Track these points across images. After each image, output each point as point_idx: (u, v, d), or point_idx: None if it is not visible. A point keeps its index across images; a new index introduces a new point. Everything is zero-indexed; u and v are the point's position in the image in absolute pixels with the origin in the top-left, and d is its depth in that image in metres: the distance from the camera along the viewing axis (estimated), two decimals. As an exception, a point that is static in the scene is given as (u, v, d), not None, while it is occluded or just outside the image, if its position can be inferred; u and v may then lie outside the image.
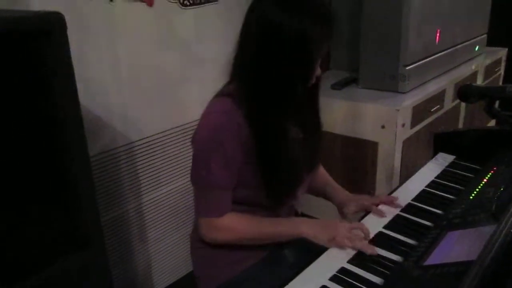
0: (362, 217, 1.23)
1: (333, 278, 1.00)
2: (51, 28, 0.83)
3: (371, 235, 1.14)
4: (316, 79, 1.14)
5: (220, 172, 1.09)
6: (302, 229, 1.13)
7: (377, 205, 1.25)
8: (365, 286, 0.96)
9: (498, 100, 1.24)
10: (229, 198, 1.15)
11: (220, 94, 1.13)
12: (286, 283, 0.99)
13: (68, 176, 0.95)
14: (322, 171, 1.43)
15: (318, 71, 1.09)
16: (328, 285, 0.98)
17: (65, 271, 0.98)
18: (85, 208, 0.99)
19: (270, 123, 1.09)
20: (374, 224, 1.19)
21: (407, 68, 2.22)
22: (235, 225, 1.15)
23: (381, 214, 1.21)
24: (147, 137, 1.75)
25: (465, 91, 1.24)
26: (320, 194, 1.41)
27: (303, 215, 2.35)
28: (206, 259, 1.23)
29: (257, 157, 1.10)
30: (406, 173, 2.16)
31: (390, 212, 1.23)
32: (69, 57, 0.87)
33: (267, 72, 1.04)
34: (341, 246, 1.07)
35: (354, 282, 0.98)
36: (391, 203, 1.25)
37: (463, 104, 2.73)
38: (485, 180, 1.28)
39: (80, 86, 1.45)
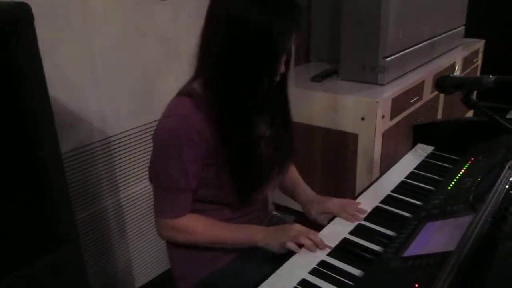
0: (330, 220, 1.21)
1: (313, 272, 0.99)
2: (18, 19, 0.80)
3: (351, 227, 1.14)
4: (283, 75, 1.11)
5: (177, 174, 1.08)
6: (257, 237, 1.12)
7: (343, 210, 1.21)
8: (345, 278, 0.96)
9: (475, 91, 1.24)
10: (187, 199, 1.13)
11: (181, 93, 1.11)
12: (266, 278, 0.98)
13: (40, 172, 0.92)
14: (292, 171, 1.41)
15: (282, 67, 1.06)
16: (308, 279, 0.97)
17: (39, 270, 0.96)
18: (58, 205, 0.97)
19: (234, 121, 1.06)
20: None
21: (387, 60, 2.23)
22: (191, 227, 1.14)
23: (351, 220, 1.18)
24: (124, 132, 1.72)
25: (442, 82, 1.24)
26: (287, 193, 1.41)
27: (279, 206, 2.37)
28: (183, 257, 1.22)
29: (223, 157, 1.08)
30: (386, 164, 2.17)
31: (369, 205, 1.23)
32: (36, 48, 0.84)
33: (230, 68, 1.02)
34: (290, 248, 1.06)
35: (334, 275, 0.98)
36: (355, 211, 1.20)
37: (441, 95, 2.76)
38: (463, 170, 1.29)
39: (54, 80, 1.42)
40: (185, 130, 1.05)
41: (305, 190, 1.36)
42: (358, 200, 1.27)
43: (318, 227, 1.17)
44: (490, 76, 1.12)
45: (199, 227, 1.15)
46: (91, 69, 1.57)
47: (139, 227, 1.87)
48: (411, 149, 1.59)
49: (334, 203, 1.24)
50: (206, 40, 1.05)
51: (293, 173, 1.40)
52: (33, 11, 0.86)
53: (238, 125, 1.07)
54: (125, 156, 1.75)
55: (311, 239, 1.06)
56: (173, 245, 1.23)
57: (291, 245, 1.06)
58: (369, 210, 1.21)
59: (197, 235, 1.14)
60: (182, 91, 1.11)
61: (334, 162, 2.28)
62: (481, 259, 0.81)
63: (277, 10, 0.97)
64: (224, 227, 1.16)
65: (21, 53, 0.82)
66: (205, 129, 1.05)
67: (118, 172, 1.74)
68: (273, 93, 1.14)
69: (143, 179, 1.82)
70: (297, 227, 1.11)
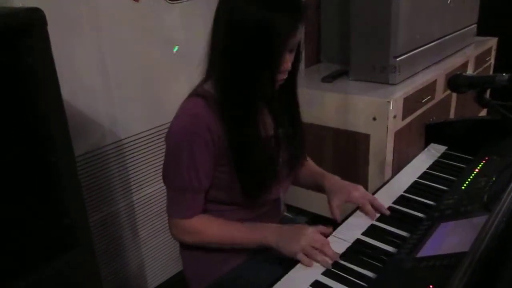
0: (351, 213, 1.20)
1: (326, 273, 0.99)
2: (31, 24, 0.81)
3: (364, 228, 1.13)
4: (292, 75, 1.11)
5: (190, 175, 1.08)
6: (268, 239, 1.10)
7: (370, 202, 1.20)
8: (358, 279, 0.96)
9: (489, 90, 1.23)
10: (200, 200, 1.14)
11: (193, 94, 1.12)
12: (278, 280, 0.98)
13: (54, 175, 0.93)
14: (309, 163, 1.40)
15: (287, 64, 1.05)
16: (321, 280, 0.97)
17: (53, 272, 0.96)
18: (72, 208, 0.97)
19: (242, 120, 1.07)
20: (367, 216, 1.18)
21: (398, 59, 2.21)
22: (203, 228, 1.14)
23: (372, 215, 1.17)
24: (136, 134, 1.73)
25: (455, 81, 1.23)
26: (311, 185, 1.38)
27: (291, 207, 2.37)
28: (195, 259, 1.22)
29: (231, 156, 1.09)
30: (398, 164, 2.16)
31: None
32: (50, 53, 0.85)
33: (234, 66, 1.02)
34: (302, 262, 1.03)
35: (347, 276, 0.97)
36: (379, 208, 1.20)
37: (454, 95, 2.73)
38: (477, 170, 1.28)
39: (66, 85, 1.44)
40: (196, 129, 1.06)
41: (330, 178, 1.31)
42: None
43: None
44: (504, 74, 1.10)
45: (210, 227, 1.15)
46: (103, 73, 1.58)
47: (152, 229, 1.88)
48: (423, 149, 1.57)
49: (360, 192, 1.22)
50: (213, 40, 1.06)
51: (312, 165, 1.40)
52: (47, 16, 0.87)
53: (246, 124, 1.08)
54: (138, 159, 1.76)
55: (324, 252, 1.03)
56: (185, 247, 1.23)
57: (303, 260, 1.03)
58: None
59: (209, 236, 1.15)
60: (193, 92, 1.12)
61: (345, 163, 2.27)
62: (496, 260, 0.80)
63: (279, 7, 0.97)
64: (236, 227, 1.15)
65: (35, 58, 0.83)
66: (217, 128, 1.06)
67: (130, 174, 1.75)
68: (282, 93, 1.14)
69: (156, 181, 1.83)
70: (310, 233, 1.07)
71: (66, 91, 1.43)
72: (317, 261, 1.02)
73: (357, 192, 1.22)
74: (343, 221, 1.19)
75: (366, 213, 1.18)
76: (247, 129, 1.08)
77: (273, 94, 1.10)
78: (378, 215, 1.18)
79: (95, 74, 1.56)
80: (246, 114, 1.07)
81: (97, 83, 1.57)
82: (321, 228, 1.10)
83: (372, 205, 1.19)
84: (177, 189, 1.12)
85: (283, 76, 1.07)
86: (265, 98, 1.13)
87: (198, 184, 1.10)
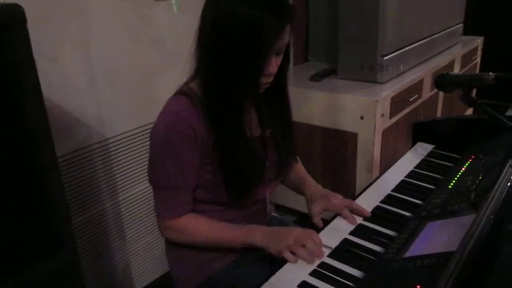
0: (332, 219, 1.19)
1: (313, 273, 0.98)
2: (10, 21, 0.79)
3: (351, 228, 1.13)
4: (282, 75, 1.10)
5: (174, 174, 1.07)
6: (256, 238, 1.09)
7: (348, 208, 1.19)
8: (346, 279, 0.95)
9: (475, 88, 1.23)
10: (187, 199, 1.13)
11: (178, 92, 1.10)
12: (266, 280, 0.97)
13: (35, 176, 0.91)
14: (299, 167, 1.40)
15: (273, 68, 1.03)
16: (309, 280, 0.96)
17: (35, 275, 0.94)
18: (55, 210, 0.95)
19: (224, 120, 1.06)
20: (354, 216, 1.18)
21: (385, 58, 2.22)
22: (191, 227, 1.13)
23: (351, 220, 1.15)
24: (122, 134, 1.71)
25: (441, 80, 1.23)
26: (293, 188, 1.38)
27: (279, 206, 2.36)
28: (181, 260, 1.21)
29: (217, 156, 1.08)
30: (386, 163, 2.17)
31: (369, 204, 1.22)
32: (30, 51, 0.83)
33: (220, 65, 1.01)
34: (287, 259, 1.02)
35: (334, 276, 0.96)
36: (358, 211, 1.18)
37: (441, 93, 2.75)
38: (463, 169, 1.28)
39: (51, 84, 1.42)
40: (179, 127, 1.04)
41: (312, 186, 1.32)
42: (358, 198, 1.25)
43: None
44: (490, 73, 1.10)
45: (198, 226, 1.13)
46: (89, 72, 1.56)
47: (138, 229, 1.86)
48: (411, 147, 1.57)
49: (338, 200, 1.21)
50: (199, 38, 1.05)
51: (299, 169, 1.39)
52: (29, 13, 0.85)
53: (231, 124, 1.07)
54: (124, 158, 1.74)
55: (307, 248, 1.02)
56: (171, 247, 1.22)
57: (288, 257, 1.02)
58: (369, 209, 1.20)
59: (197, 235, 1.13)
60: (178, 90, 1.11)
61: (333, 161, 2.27)
62: (484, 259, 0.80)
63: (266, 6, 0.95)
64: (223, 226, 1.14)
65: (14, 55, 0.81)
66: (200, 127, 1.05)
67: (116, 174, 1.73)
68: (272, 94, 1.13)
69: (142, 181, 1.81)
70: (297, 232, 1.07)
71: (51, 90, 1.42)
72: (300, 255, 1.01)
73: (336, 199, 1.22)
74: (330, 220, 1.19)
75: (345, 218, 1.16)
76: (231, 129, 1.07)
77: (258, 95, 1.09)
78: (359, 219, 1.17)
79: (81, 72, 1.54)
80: (230, 114, 1.06)
81: (82, 81, 1.55)
82: (312, 236, 1.07)
83: (352, 210, 1.18)
84: (161, 188, 1.11)
85: (268, 79, 1.06)
86: (250, 99, 1.12)
87: (183, 183, 1.09)
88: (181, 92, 1.09)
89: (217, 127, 1.06)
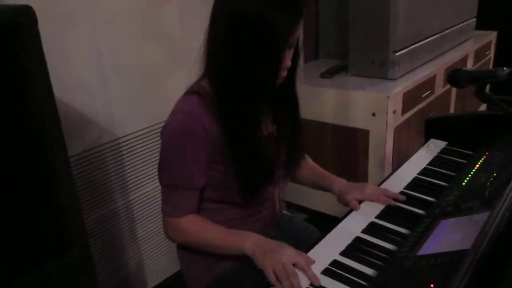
0: (343, 217, 1.18)
1: (325, 272, 0.97)
2: (21, 22, 0.79)
3: (365, 224, 1.12)
4: (291, 72, 1.09)
5: (181, 173, 1.07)
6: (246, 245, 1.05)
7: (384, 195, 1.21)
8: (358, 278, 0.94)
9: (489, 84, 1.21)
10: (191, 199, 1.12)
11: (189, 91, 1.10)
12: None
13: (47, 174, 0.92)
14: (311, 164, 1.40)
15: (287, 62, 1.03)
16: (320, 279, 0.95)
17: (48, 273, 0.95)
18: (67, 209, 0.96)
19: (238, 119, 1.05)
20: (366, 214, 1.17)
21: (397, 54, 2.20)
22: (191, 228, 1.12)
23: (390, 202, 1.18)
24: (133, 133, 1.72)
25: (454, 76, 1.21)
26: (316, 186, 1.37)
27: (291, 204, 2.36)
28: (191, 259, 1.21)
29: (229, 155, 1.07)
30: (398, 160, 2.15)
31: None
32: (41, 51, 0.83)
33: (232, 64, 1.00)
34: (270, 281, 0.96)
35: (346, 275, 0.96)
36: (393, 197, 1.21)
37: (454, 89, 2.72)
38: (477, 166, 1.26)
39: (62, 83, 1.43)
40: (190, 126, 1.04)
41: (338, 180, 1.32)
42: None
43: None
44: (505, 68, 1.09)
45: (198, 228, 1.13)
46: (99, 71, 1.56)
47: (150, 228, 1.87)
48: (423, 144, 1.56)
49: (373, 188, 1.23)
50: (210, 36, 1.04)
51: (314, 166, 1.40)
52: (40, 13, 0.85)
53: (243, 123, 1.06)
54: (135, 157, 1.75)
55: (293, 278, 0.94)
56: (181, 246, 1.22)
57: (272, 280, 0.96)
58: (381, 207, 1.19)
59: (193, 238, 1.13)
60: (189, 89, 1.11)
61: (345, 159, 2.25)
62: (498, 258, 0.79)
63: (278, 3, 0.95)
64: (217, 230, 1.12)
65: (26, 57, 0.82)
66: (211, 126, 1.04)
67: (128, 173, 1.74)
68: (281, 91, 1.12)
69: (154, 180, 1.81)
70: (289, 252, 0.99)
71: (62, 90, 1.43)
72: (284, 285, 0.94)
73: (368, 189, 1.23)
74: (343, 217, 1.18)
75: (384, 203, 1.19)
76: (244, 128, 1.06)
77: (273, 92, 1.08)
78: (371, 217, 1.16)
79: (91, 71, 1.54)
80: (244, 113, 1.05)
81: (93, 81, 1.55)
82: (304, 256, 1.01)
83: (389, 196, 1.20)
84: (168, 186, 1.11)
85: (283, 74, 1.05)
86: (264, 97, 1.11)
87: (190, 182, 1.09)
88: (193, 91, 1.09)
89: (229, 126, 1.05)
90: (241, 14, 0.96)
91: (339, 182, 1.31)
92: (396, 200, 1.20)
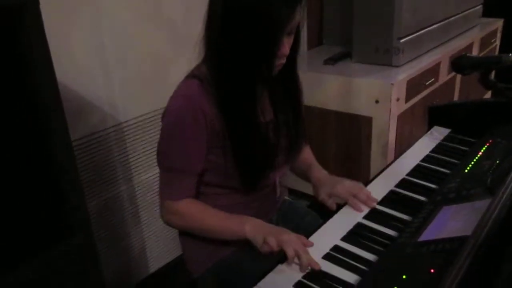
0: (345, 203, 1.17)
1: (326, 256, 0.98)
2: (23, 3, 0.79)
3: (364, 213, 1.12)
4: (292, 58, 1.08)
5: (179, 157, 1.08)
6: (245, 228, 1.06)
7: (354, 195, 1.16)
8: (359, 263, 0.95)
9: (494, 71, 1.20)
10: (189, 183, 1.12)
11: (189, 76, 1.10)
12: (280, 262, 0.97)
13: (49, 160, 0.92)
14: (306, 153, 1.38)
15: (285, 49, 1.01)
16: (321, 263, 0.96)
17: (51, 258, 0.96)
18: (70, 193, 0.96)
19: (238, 104, 1.05)
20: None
21: (401, 41, 2.18)
22: (188, 212, 1.12)
23: (357, 208, 1.13)
24: (136, 117, 1.72)
25: (459, 63, 1.20)
26: (300, 175, 1.36)
27: (293, 191, 2.36)
28: (193, 243, 1.21)
29: (228, 141, 1.07)
30: (401, 148, 2.14)
31: (383, 188, 1.21)
32: (43, 33, 0.83)
33: (230, 48, 1.00)
34: (269, 243, 0.98)
35: (347, 260, 0.96)
36: (367, 200, 1.15)
37: (458, 77, 2.70)
38: (480, 153, 1.26)
39: (64, 67, 1.42)
40: (190, 111, 1.04)
41: (317, 171, 1.30)
42: (373, 183, 1.24)
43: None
44: (510, 54, 1.07)
45: (196, 212, 1.13)
46: (102, 56, 1.56)
47: (153, 212, 1.88)
48: (426, 132, 1.55)
49: (344, 186, 1.18)
50: (208, 21, 1.04)
51: (307, 155, 1.38)
52: (43, -2, 0.85)
53: (243, 109, 1.06)
54: (138, 142, 1.75)
55: (297, 253, 0.95)
56: (184, 231, 1.23)
57: (271, 241, 0.98)
58: (383, 194, 1.19)
59: (192, 221, 1.13)
60: (190, 74, 1.11)
61: (348, 146, 2.25)
62: (499, 244, 0.79)
63: None
64: (215, 214, 1.12)
65: (28, 39, 0.81)
66: (211, 111, 1.04)
67: (131, 158, 1.74)
68: (282, 77, 1.12)
69: (156, 165, 1.81)
70: (290, 235, 1.01)
71: (65, 74, 1.43)
72: (289, 255, 0.95)
73: (341, 185, 1.19)
74: (343, 205, 1.18)
75: (352, 207, 1.14)
76: (243, 114, 1.07)
77: (271, 78, 1.08)
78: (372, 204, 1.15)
79: (94, 56, 1.54)
80: (242, 98, 1.05)
81: (96, 65, 1.55)
82: (303, 238, 1.02)
83: (359, 199, 1.15)
84: (166, 169, 1.12)
85: (281, 61, 1.04)
86: (263, 83, 1.11)
87: (188, 167, 1.09)
88: (193, 75, 1.09)
89: (229, 112, 1.05)
90: (239, 1, 0.95)
91: (318, 173, 1.28)
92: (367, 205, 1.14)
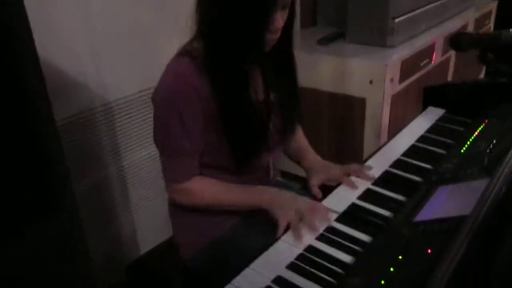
0: (334, 188, 1.16)
1: (320, 237, 0.96)
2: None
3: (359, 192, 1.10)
4: (286, 36, 1.05)
5: (180, 136, 1.05)
6: (264, 198, 1.07)
7: (348, 175, 1.17)
8: (353, 244, 0.93)
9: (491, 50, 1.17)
10: (194, 162, 1.10)
11: (180, 53, 1.06)
12: (271, 245, 0.95)
13: (32, 138, 0.88)
14: (300, 135, 1.36)
15: (278, 23, 0.98)
16: (315, 245, 0.94)
17: (37, 239, 0.93)
18: (55, 174, 0.92)
19: (228, 80, 1.02)
20: (363, 180, 1.14)
21: (396, 21, 2.14)
22: (200, 189, 1.11)
23: (353, 186, 1.12)
24: (126, 97, 1.67)
25: (457, 39, 1.17)
26: (293, 158, 1.35)
27: (285, 173, 2.34)
28: (184, 225, 1.19)
29: (221, 120, 1.04)
30: (394, 129, 2.12)
31: (378, 169, 1.19)
32: (22, 7, 0.78)
33: (221, 23, 0.97)
34: (293, 228, 0.99)
35: (342, 241, 0.94)
36: (362, 175, 1.16)
37: (452, 58, 2.68)
38: (476, 133, 1.24)
39: (52, 46, 1.38)
40: (182, 88, 1.01)
41: (311, 156, 1.30)
42: (367, 163, 1.22)
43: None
44: (511, 29, 1.04)
45: (207, 188, 1.12)
46: (90, 34, 1.51)
47: (143, 194, 1.85)
48: (421, 113, 1.53)
49: (339, 169, 1.19)
50: None
51: (300, 138, 1.35)
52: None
53: (235, 87, 1.03)
54: (127, 122, 1.71)
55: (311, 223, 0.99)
56: (174, 212, 1.20)
57: (281, 227, 1.00)
58: (378, 174, 1.17)
59: (206, 197, 1.12)
60: (181, 50, 1.07)
61: (341, 127, 2.23)
62: (497, 225, 0.77)
63: None
64: (231, 188, 1.12)
65: (6, 12, 0.77)
66: (204, 89, 1.01)
67: (120, 138, 1.70)
68: (277, 54, 1.08)
69: (146, 145, 1.78)
70: (304, 202, 1.05)
71: (51, 51, 1.38)
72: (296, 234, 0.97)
73: (335, 169, 1.20)
74: (336, 186, 1.16)
75: (348, 186, 1.14)
76: (236, 91, 1.03)
77: (264, 55, 1.04)
78: (366, 184, 1.14)
79: (82, 33, 1.49)
80: (235, 75, 1.02)
81: (84, 43, 1.50)
82: (319, 204, 1.06)
83: (352, 173, 1.16)
84: (168, 151, 1.09)
85: (274, 36, 1.01)
86: (256, 59, 1.07)
87: (190, 145, 1.06)
88: (184, 52, 1.05)
89: (221, 89, 1.02)
90: None
91: (309, 160, 1.28)
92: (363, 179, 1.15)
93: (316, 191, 1.18)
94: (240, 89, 1.04)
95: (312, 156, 1.30)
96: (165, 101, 1.04)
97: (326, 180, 1.20)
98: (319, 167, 1.24)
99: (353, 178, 1.16)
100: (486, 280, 0.68)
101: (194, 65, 1.01)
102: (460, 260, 0.67)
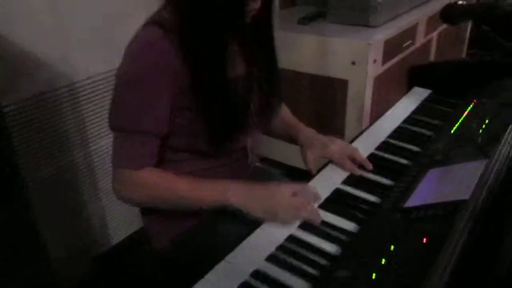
0: (323, 167, 1.08)
1: (303, 226, 0.87)
2: None
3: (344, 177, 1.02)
4: (266, 7, 0.95)
5: (143, 113, 0.92)
6: (229, 196, 0.92)
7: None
8: (339, 233, 0.84)
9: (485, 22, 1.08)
10: (152, 148, 0.96)
11: (149, 22, 0.94)
12: (249, 234, 0.86)
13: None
14: (286, 113, 1.27)
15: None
16: (297, 234, 0.85)
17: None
18: (1, 161, 0.82)
19: (203, 53, 0.91)
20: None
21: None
22: (153, 181, 0.96)
23: (356, 172, 1.03)
24: (91, 77, 1.55)
25: (448, 11, 1.09)
26: (285, 138, 1.26)
27: (266, 159, 2.26)
28: (155, 214, 1.08)
29: (195, 98, 0.93)
30: (377, 113, 2.05)
31: (363, 152, 1.10)
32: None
33: None
34: (282, 221, 0.88)
35: (326, 230, 0.86)
36: (365, 161, 1.06)
37: (434, 40, 2.63)
38: (466, 113, 1.18)
39: (13, 24, 1.25)
40: (151, 58, 0.89)
41: (305, 129, 1.20)
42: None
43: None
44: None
45: (162, 181, 0.97)
46: (53, 11, 1.38)
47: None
48: (405, 94, 1.46)
49: (337, 147, 1.09)
50: None
51: (287, 115, 1.26)
52: None
53: (210, 59, 0.92)
54: (95, 104, 1.59)
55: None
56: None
57: (290, 219, 0.88)
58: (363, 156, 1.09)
59: (153, 193, 0.97)
60: (150, 20, 0.95)
61: (322, 110, 2.15)
62: (499, 207, 0.70)
63: None
64: (186, 181, 0.97)
65: None
66: (175, 63, 0.90)
67: (87, 122, 1.59)
68: (255, 30, 0.99)
69: (116, 130, 1.67)
70: (285, 190, 0.92)
71: (13, 31, 1.26)
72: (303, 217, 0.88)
73: (334, 145, 1.10)
74: (321, 168, 1.07)
75: (347, 170, 1.05)
76: (211, 67, 0.93)
77: (244, 27, 0.94)
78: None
79: (45, 13, 1.37)
80: (211, 48, 0.92)
81: (46, 18, 1.38)
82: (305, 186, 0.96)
83: (353, 160, 1.06)
84: (122, 131, 0.95)
85: (256, 5, 0.91)
86: (234, 32, 0.97)
87: (153, 125, 0.94)
88: (153, 21, 0.94)
89: (195, 62, 0.91)
90: None
91: (306, 132, 1.18)
92: (362, 168, 1.05)
93: (311, 167, 1.09)
94: (216, 65, 0.94)
95: (306, 130, 1.20)
96: (131, 72, 0.92)
97: (322, 156, 1.10)
98: (315, 141, 1.14)
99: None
100: (490, 271, 0.60)
101: (164, 35, 0.90)
102: (464, 248, 0.59)
